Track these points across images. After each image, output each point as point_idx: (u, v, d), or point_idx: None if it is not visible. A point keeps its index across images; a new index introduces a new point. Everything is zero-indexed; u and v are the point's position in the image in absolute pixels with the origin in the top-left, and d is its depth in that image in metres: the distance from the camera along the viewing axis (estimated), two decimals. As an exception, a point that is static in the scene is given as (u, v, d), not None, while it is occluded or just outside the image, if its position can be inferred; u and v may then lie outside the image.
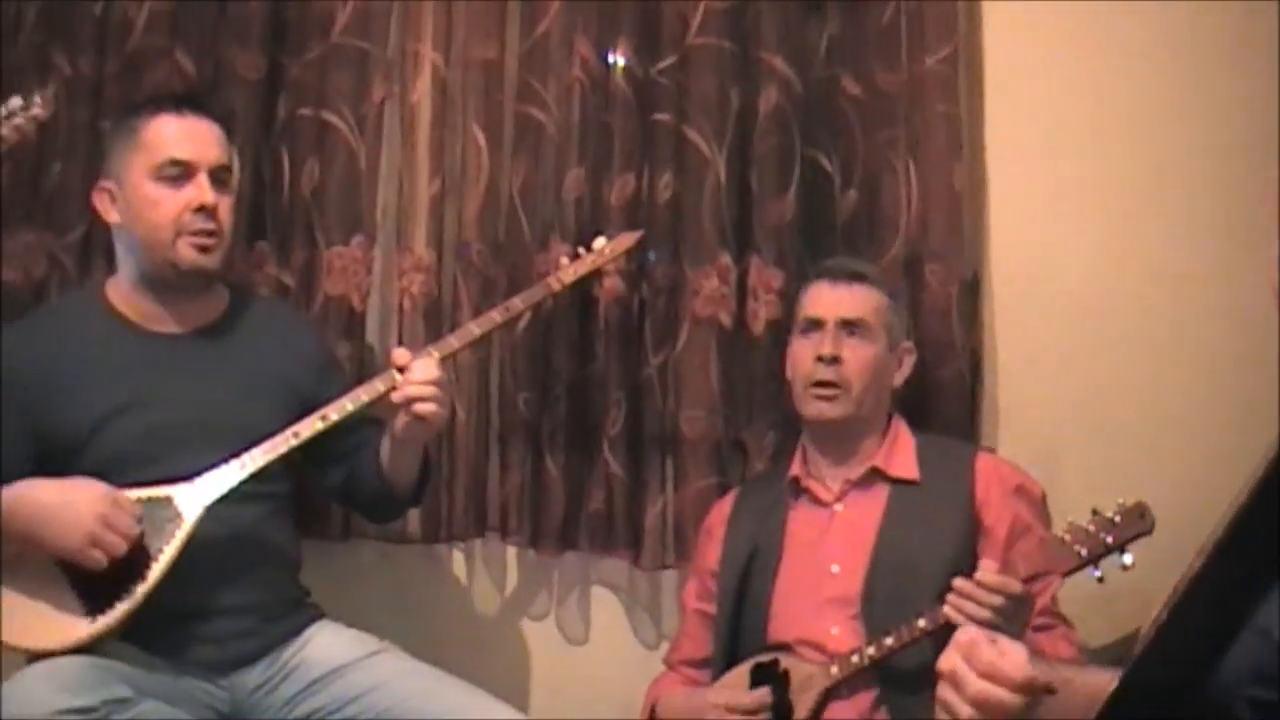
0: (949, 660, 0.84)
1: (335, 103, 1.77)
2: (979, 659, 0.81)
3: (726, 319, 1.71)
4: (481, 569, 1.88)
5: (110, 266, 1.65)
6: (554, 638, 1.87)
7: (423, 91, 1.76)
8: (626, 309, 1.75)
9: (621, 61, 1.72)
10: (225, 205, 1.57)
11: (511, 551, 1.87)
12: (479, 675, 1.73)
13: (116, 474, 1.50)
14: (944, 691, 0.84)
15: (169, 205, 1.53)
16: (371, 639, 1.62)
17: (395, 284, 1.81)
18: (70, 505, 1.43)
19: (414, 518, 1.82)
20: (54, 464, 1.51)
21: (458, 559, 1.90)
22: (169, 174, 1.53)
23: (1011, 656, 0.81)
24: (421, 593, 1.95)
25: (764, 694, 1.40)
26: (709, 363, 1.72)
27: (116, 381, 1.55)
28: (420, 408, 1.51)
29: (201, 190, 1.53)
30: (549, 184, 1.77)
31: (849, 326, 1.51)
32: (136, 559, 1.46)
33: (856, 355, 1.50)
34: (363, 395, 1.54)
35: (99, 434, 1.53)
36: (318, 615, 1.66)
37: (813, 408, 1.52)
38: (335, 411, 1.53)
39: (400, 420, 1.54)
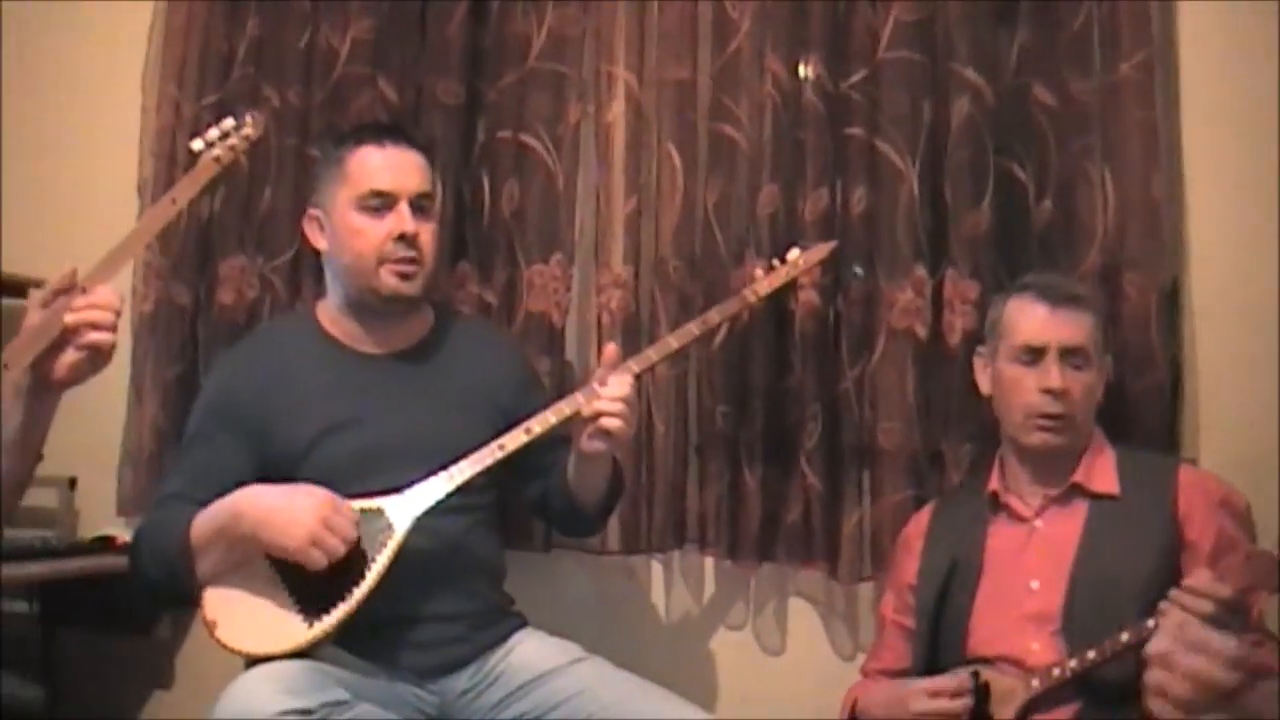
0: (1159, 643, 0.90)
1: (533, 125, 1.98)
2: (1190, 635, 0.89)
3: (922, 331, 1.83)
4: (680, 580, 2.06)
5: (318, 288, 1.88)
6: (750, 647, 2.03)
7: (617, 112, 1.95)
8: (822, 322, 1.88)
9: (812, 76, 1.86)
10: (427, 232, 1.74)
11: (709, 562, 2.04)
12: (676, 683, 1.90)
13: (333, 488, 1.66)
14: (1155, 675, 0.89)
15: (371, 234, 1.71)
16: (574, 646, 1.79)
17: (594, 300, 2.00)
18: (293, 507, 1.59)
19: (614, 530, 2.00)
20: (272, 480, 1.69)
21: (656, 570, 2.08)
22: (371, 204, 1.70)
23: (1223, 637, 0.89)
24: (621, 602, 2.12)
25: (965, 679, 1.49)
26: (905, 375, 1.84)
27: (331, 400, 1.75)
28: (606, 423, 1.64)
29: (402, 219, 1.70)
30: (743, 199, 1.92)
31: (1071, 355, 1.58)
32: (352, 567, 1.62)
33: (1079, 384, 1.58)
34: (565, 408, 1.69)
35: (315, 450, 1.72)
36: (522, 623, 1.84)
37: (1037, 438, 1.59)
38: (539, 424, 1.69)
39: (586, 434, 1.67)
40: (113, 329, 1.36)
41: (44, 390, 1.38)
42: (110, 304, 1.35)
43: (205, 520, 1.65)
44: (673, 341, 1.76)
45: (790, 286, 1.84)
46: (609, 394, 1.66)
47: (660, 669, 2.01)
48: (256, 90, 2.09)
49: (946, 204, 1.84)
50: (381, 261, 1.73)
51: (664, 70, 1.94)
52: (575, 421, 1.70)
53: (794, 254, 1.82)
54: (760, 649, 2.04)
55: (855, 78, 1.87)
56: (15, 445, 1.40)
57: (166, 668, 2.47)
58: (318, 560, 1.58)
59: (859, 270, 1.88)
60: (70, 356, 1.36)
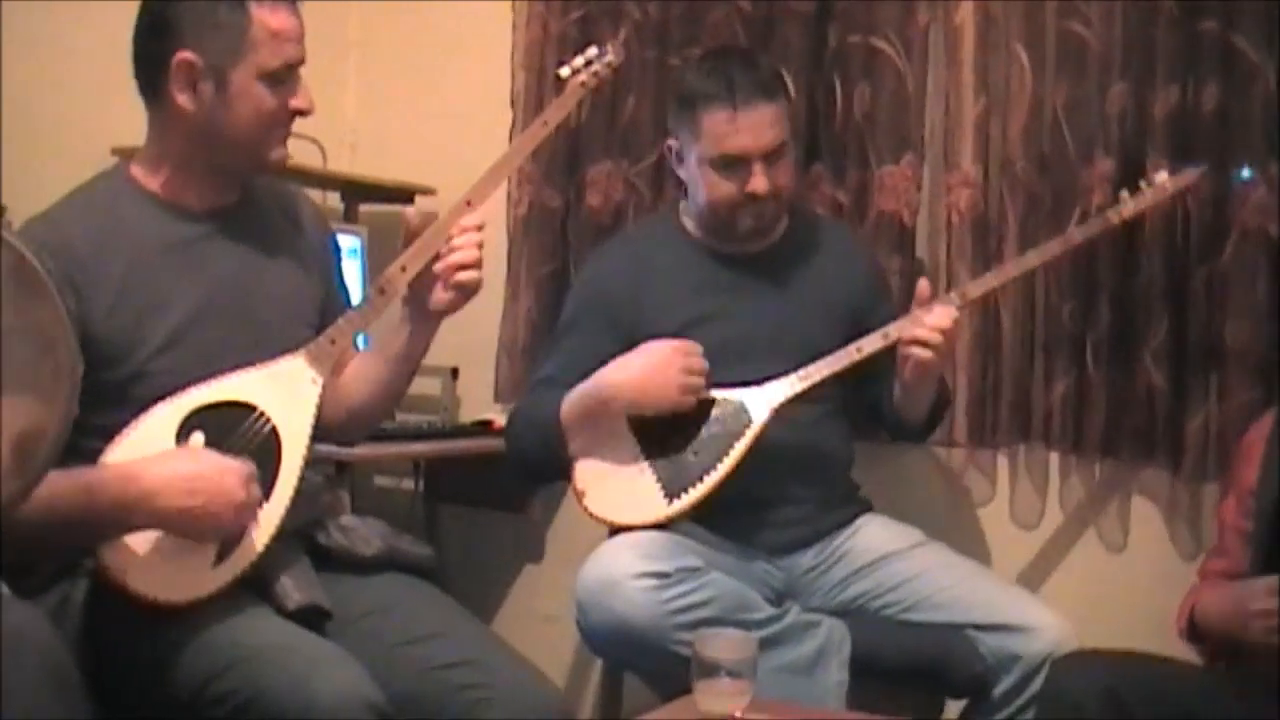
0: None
1: (883, 29, 2.28)
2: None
3: (1275, 230, 2.03)
4: (1024, 474, 2.36)
5: (680, 191, 2.20)
6: (1092, 544, 2.35)
7: (966, 14, 2.23)
8: (1171, 220, 2.10)
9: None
10: (783, 173, 1.98)
11: (1054, 458, 2.33)
12: (1015, 576, 2.22)
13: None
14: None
15: (725, 190, 1.99)
16: (916, 531, 2.09)
17: (943, 200, 2.30)
18: (654, 367, 1.93)
19: (960, 423, 2.32)
20: None
21: (1002, 463, 2.40)
22: (723, 164, 1.97)
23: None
24: (964, 493, 2.45)
25: None
26: (1256, 275, 2.05)
27: (696, 296, 2.05)
28: (917, 352, 1.88)
29: (757, 179, 1.96)
30: (1092, 99, 2.15)
31: None
32: (713, 451, 1.96)
33: None
34: (892, 332, 1.97)
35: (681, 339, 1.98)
36: (867, 508, 2.16)
37: None
38: (896, 329, 1.95)
39: (903, 360, 1.93)
40: (478, 265, 1.60)
41: (422, 320, 1.66)
42: (472, 240, 1.61)
43: (574, 400, 1.97)
44: (1034, 258, 2.00)
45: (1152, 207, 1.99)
46: (929, 322, 1.89)
47: (1000, 560, 2.32)
48: (618, 6, 2.49)
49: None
50: (735, 211, 2.02)
51: (1012, -30, 2.10)
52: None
53: (1162, 177, 1.98)
54: (1102, 546, 2.34)
55: (1209, -30, 1.94)
56: (399, 360, 1.71)
57: (537, 543, 3.02)
58: (691, 404, 1.91)
59: (1246, 173, 2.05)
60: (442, 293, 1.63)
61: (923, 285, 1.97)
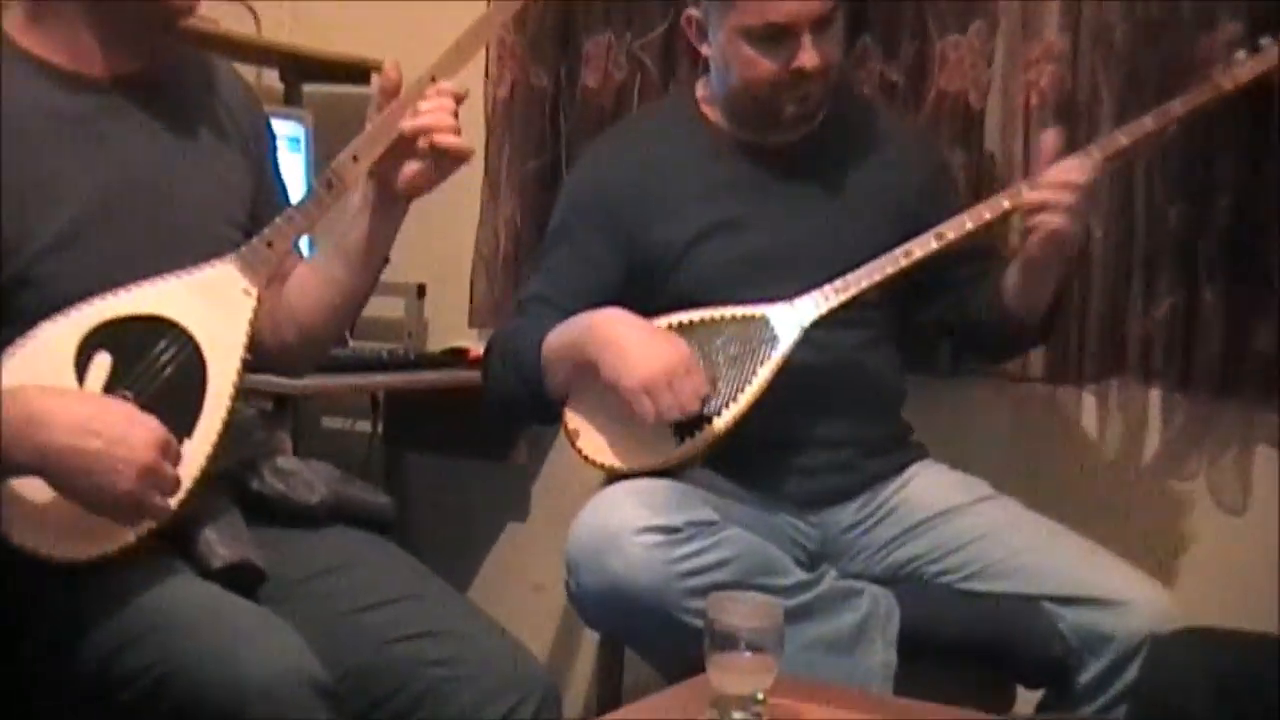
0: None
1: None
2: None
3: None
4: (1116, 416, 2.35)
5: (697, 68, 2.20)
6: (1203, 503, 2.31)
7: None
8: None
9: None
10: (831, 48, 1.98)
11: (1154, 396, 2.31)
12: (1104, 539, 2.09)
13: (707, 296, 1.98)
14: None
15: (765, 68, 1.98)
16: (980, 483, 2.11)
17: (1020, 78, 2.25)
18: (647, 351, 1.92)
19: (1036, 354, 2.28)
20: (640, 285, 2.05)
21: (1087, 403, 2.38)
22: (765, 35, 1.95)
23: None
24: (1041, 439, 2.44)
25: None
26: None
27: (714, 197, 2.06)
28: (1045, 219, 1.87)
29: (804, 53, 1.95)
30: None
31: None
32: (729, 381, 1.96)
33: None
34: (985, 212, 1.91)
35: (694, 252, 2.05)
36: (921, 454, 2.17)
37: None
38: (953, 229, 1.94)
39: (1030, 239, 1.90)
40: (455, 130, 1.57)
41: (388, 202, 1.64)
42: (445, 105, 1.56)
43: (557, 340, 2.00)
44: (1123, 138, 1.94)
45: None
46: (1051, 179, 1.88)
47: (1085, 520, 2.16)
48: None
49: None
50: (777, 94, 2.01)
51: None
52: (1007, 223, 1.96)
53: None
54: (1215, 505, 2.32)
55: None
56: (358, 257, 1.69)
57: (521, 497, 3.05)
58: (643, 410, 1.90)
59: None
60: (413, 165, 1.59)
61: (1049, 137, 1.96)
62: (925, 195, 2.13)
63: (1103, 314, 2.27)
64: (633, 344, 1.93)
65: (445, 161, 1.61)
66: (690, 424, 1.98)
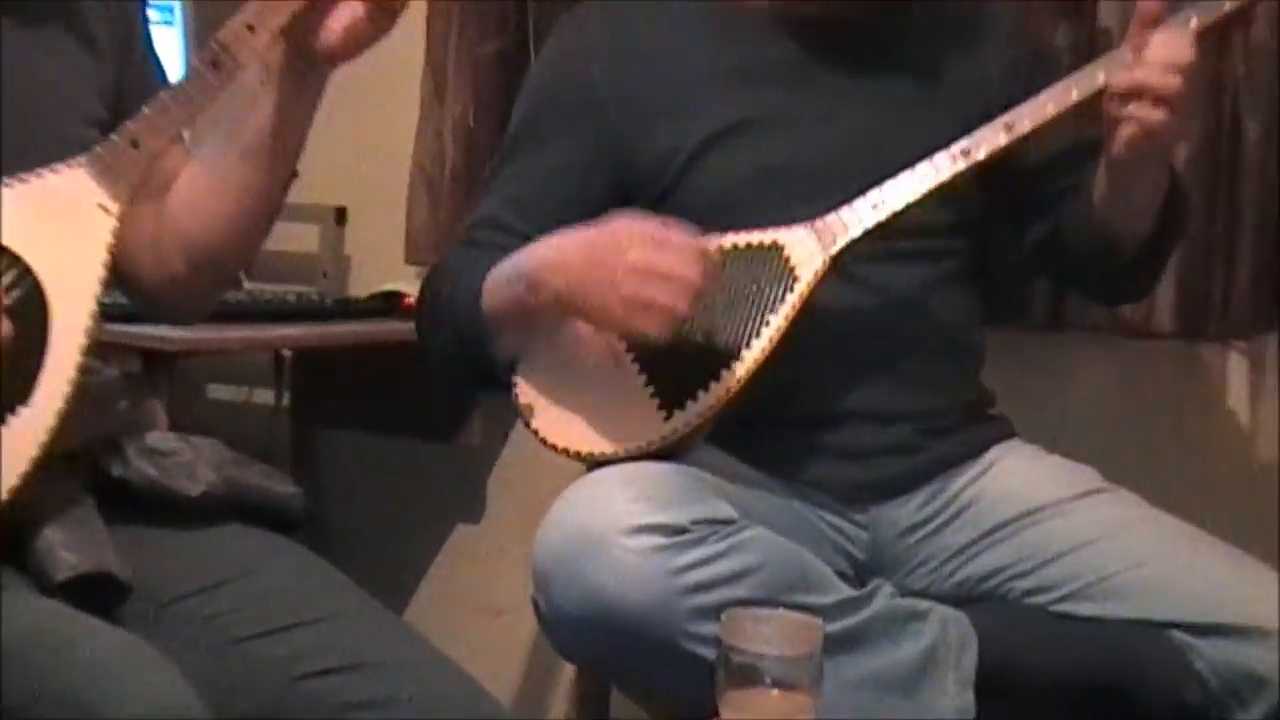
0: None
1: None
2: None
3: None
4: (1272, 382, 2.40)
5: None
6: None
7: None
8: None
9: None
10: None
11: None
12: (1252, 544, 2.08)
13: (715, 220, 1.99)
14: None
15: None
16: (1086, 471, 2.11)
17: None
18: (597, 255, 1.91)
19: (1164, 301, 2.30)
20: (631, 205, 2.06)
21: (1235, 364, 2.43)
22: None
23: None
24: (1167, 409, 2.46)
25: None
26: None
27: (726, 91, 2.09)
28: (1135, 112, 1.87)
29: None
30: None
31: None
32: (731, 332, 1.97)
33: None
34: (1072, 91, 1.92)
35: (700, 163, 2.08)
36: (1005, 432, 2.19)
37: None
38: (1029, 118, 1.93)
39: (1118, 130, 1.90)
40: None
41: (305, 68, 1.65)
42: None
43: (499, 281, 2.02)
44: (1225, 4, 1.94)
45: None
46: (1153, 57, 1.87)
47: (1230, 522, 2.18)
48: None
49: None
50: None
51: None
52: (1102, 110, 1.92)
53: None
54: None
55: None
56: (263, 151, 1.70)
57: (476, 492, 3.05)
58: (648, 331, 1.90)
59: None
60: (341, 17, 1.60)
61: (1146, 3, 1.94)
62: (1020, 82, 2.12)
63: (1254, 249, 2.31)
64: (573, 246, 1.98)
65: (382, 16, 1.61)
66: (681, 391, 2.00)
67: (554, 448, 2.04)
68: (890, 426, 2.16)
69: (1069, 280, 2.29)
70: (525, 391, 2.06)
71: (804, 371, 2.04)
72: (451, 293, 2.10)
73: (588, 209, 2.05)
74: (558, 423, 2.03)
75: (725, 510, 1.90)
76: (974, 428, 2.22)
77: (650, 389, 2.00)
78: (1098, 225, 2.08)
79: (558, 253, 1.98)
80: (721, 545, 1.87)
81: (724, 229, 2.04)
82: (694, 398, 1.98)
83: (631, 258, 1.88)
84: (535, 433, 2.05)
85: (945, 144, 2.05)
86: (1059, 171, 2.12)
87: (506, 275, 2.02)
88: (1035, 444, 2.23)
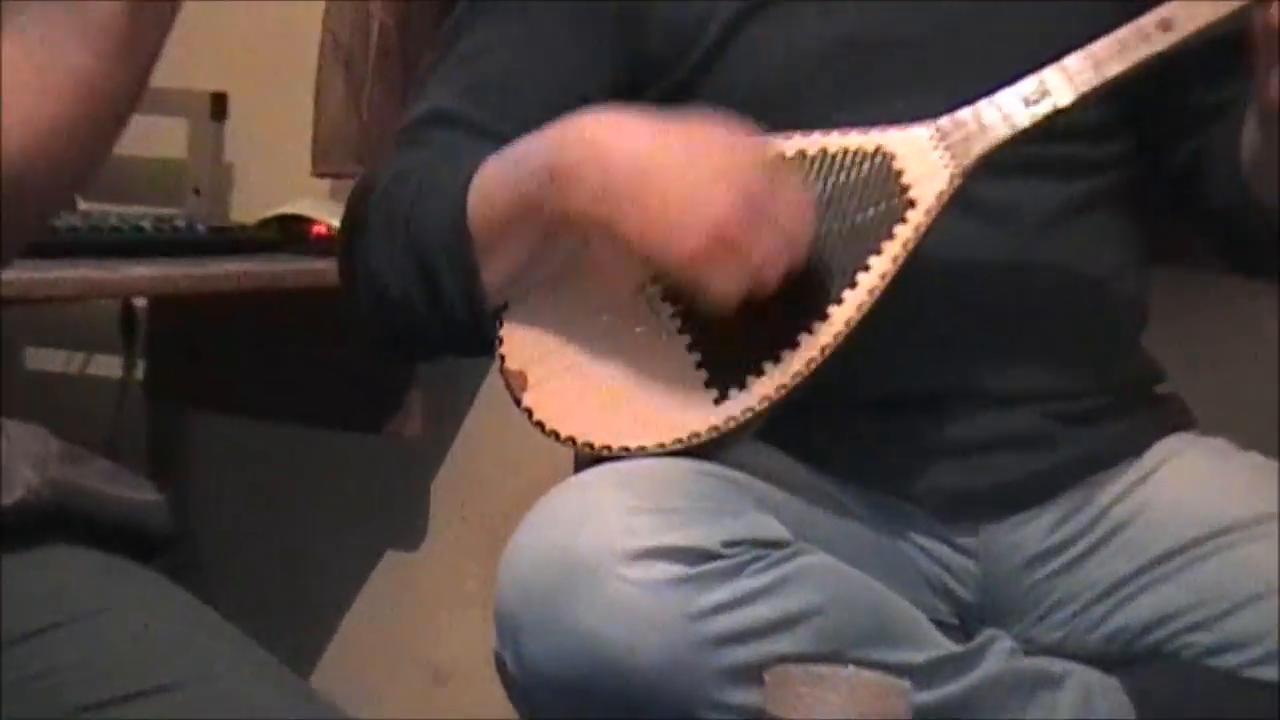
0: None
1: None
2: None
3: None
4: None
5: None
6: None
7: None
8: None
9: None
10: None
11: None
12: None
13: (768, 117, 2.04)
14: None
15: None
16: None
17: None
18: (682, 174, 1.95)
19: None
20: (641, 96, 2.15)
21: None
22: None
23: None
24: None
25: None
26: None
27: None
28: None
29: None
30: None
31: None
32: (812, 281, 1.99)
33: None
34: None
35: (741, 37, 2.13)
36: (1178, 421, 2.26)
37: None
38: (1205, 12, 1.99)
39: (1268, 76, 1.96)
40: None
41: None
42: None
43: (492, 184, 2.05)
44: None
45: None
46: None
47: None
48: None
49: None
50: None
51: None
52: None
53: None
54: None
55: None
56: (109, 29, 1.69)
57: (412, 505, 3.11)
58: (730, 289, 1.94)
59: None
60: None
61: None
62: None
63: None
64: (636, 131, 2.03)
65: None
66: (737, 366, 2.04)
67: (554, 435, 2.06)
68: (1011, 412, 2.21)
69: (1208, 233, 2.39)
70: (516, 352, 2.08)
71: (896, 334, 2.10)
72: (413, 205, 2.13)
73: (580, 101, 2.10)
74: (561, 399, 2.07)
75: (772, 528, 1.94)
76: (1132, 415, 2.29)
77: (697, 357, 2.05)
78: (1241, 177, 2.17)
79: (613, 134, 2.02)
80: (765, 578, 1.91)
81: (786, 124, 2.10)
82: (758, 371, 2.03)
83: (742, 187, 1.94)
84: (528, 413, 2.06)
85: (1077, 13, 2.14)
86: (1215, 84, 2.23)
87: (509, 170, 2.07)
88: (1219, 436, 2.29)
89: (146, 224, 2.78)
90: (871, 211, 2.06)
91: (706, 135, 1.99)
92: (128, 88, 1.81)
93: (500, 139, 2.09)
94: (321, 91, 2.92)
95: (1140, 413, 2.30)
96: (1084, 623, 2.18)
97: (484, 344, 2.11)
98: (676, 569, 1.87)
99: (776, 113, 2.09)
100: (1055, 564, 2.21)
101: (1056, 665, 2.05)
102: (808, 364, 2.02)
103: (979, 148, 2.05)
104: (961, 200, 2.08)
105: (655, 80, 2.19)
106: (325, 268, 2.33)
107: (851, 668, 1.63)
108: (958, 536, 2.20)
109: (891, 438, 2.20)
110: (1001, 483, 2.21)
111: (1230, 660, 2.08)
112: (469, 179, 2.08)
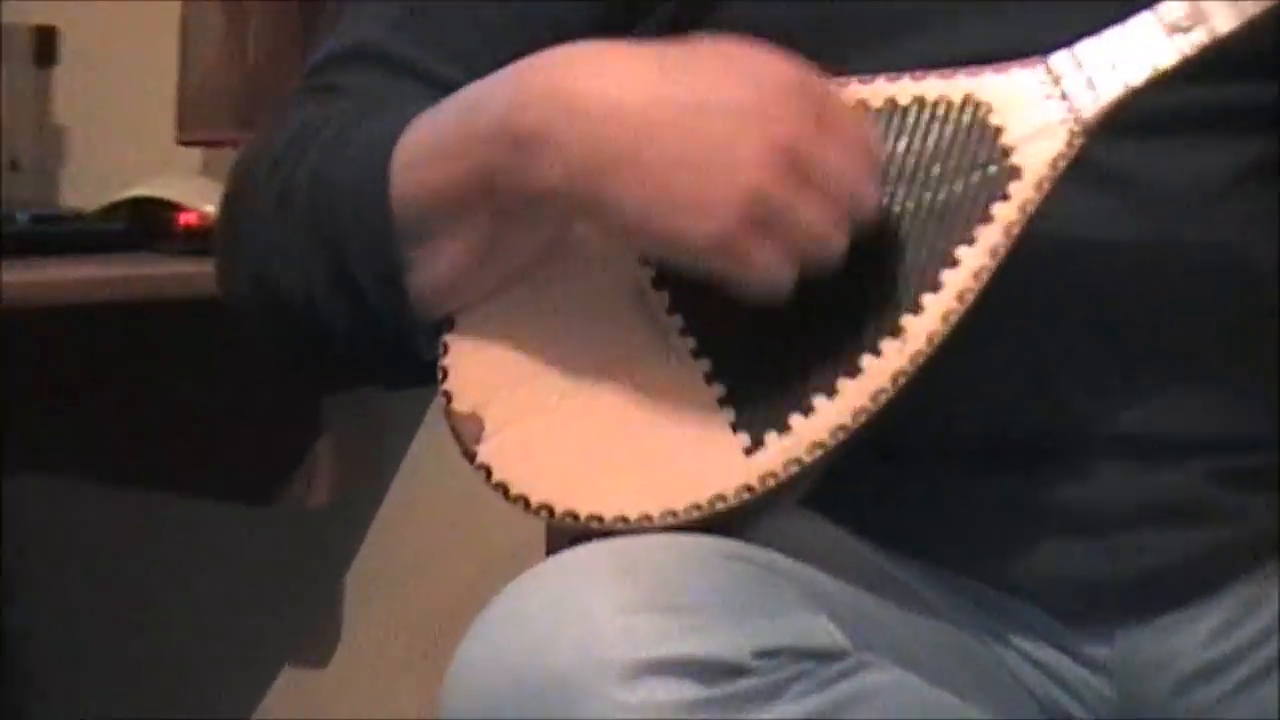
0: None
1: None
2: None
3: None
4: None
5: None
6: None
7: None
8: None
9: None
10: None
11: None
12: None
13: (803, 48, 1.97)
14: None
15: None
16: None
17: None
18: (688, 119, 1.86)
19: None
20: (636, 30, 2.13)
21: None
22: None
23: None
24: None
25: None
26: None
27: None
28: None
29: None
30: None
31: None
32: (880, 276, 1.95)
33: None
34: None
35: None
36: None
37: None
38: None
39: None
40: None
41: None
42: None
43: (432, 143, 2.01)
44: None
45: None
46: None
47: None
48: None
49: None
50: None
51: None
52: None
53: None
54: None
55: None
56: None
57: (320, 600, 3.16)
58: (777, 279, 1.88)
59: None
60: None
61: None
62: None
63: None
64: (625, 63, 1.98)
65: None
66: (773, 390, 1.98)
67: (520, 501, 1.97)
68: (1159, 470, 2.16)
69: None
70: (466, 387, 2.01)
71: (988, 359, 2.07)
72: (315, 177, 2.09)
73: (553, 36, 2.07)
74: (528, 452, 1.99)
75: (822, 633, 1.86)
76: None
77: (719, 390, 1.98)
78: None
79: (594, 75, 1.96)
80: (814, 701, 1.81)
81: (849, 63, 2.09)
82: (804, 409, 1.95)
83: (780, 136, 1.89)
84: (484, 471, 1.98)
85: None
86: None
87: (449, 129, 2.02)
88: None
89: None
90: (960, 185, 2.01)
91: (724, 67, 1.95)
92: None
93: (444, 86, 2.05)
94: (190, 27, 2.82)
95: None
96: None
97: (423, 371, 2.05)
98: (692, 689, 1.75)
99: (814, 41, 2.05)
100: (1218, 688, 2.18)
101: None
102: (873, 398, 1.96)
103: (1108, 94, 2.00)
104: (1084, 168, 2.03)
105: (652, 6, 2.19)
106: (197, 270, 2.33)
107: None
108: (1084, 645, 2.17)
109: (989, 505, 2.16)
110: (1147, 570, 2.17)
111: None
112: (393, 140, 2.02)
